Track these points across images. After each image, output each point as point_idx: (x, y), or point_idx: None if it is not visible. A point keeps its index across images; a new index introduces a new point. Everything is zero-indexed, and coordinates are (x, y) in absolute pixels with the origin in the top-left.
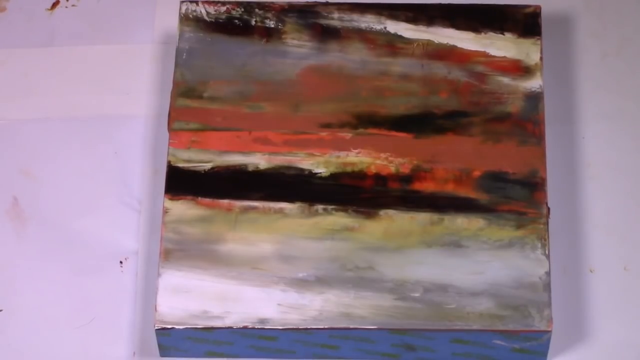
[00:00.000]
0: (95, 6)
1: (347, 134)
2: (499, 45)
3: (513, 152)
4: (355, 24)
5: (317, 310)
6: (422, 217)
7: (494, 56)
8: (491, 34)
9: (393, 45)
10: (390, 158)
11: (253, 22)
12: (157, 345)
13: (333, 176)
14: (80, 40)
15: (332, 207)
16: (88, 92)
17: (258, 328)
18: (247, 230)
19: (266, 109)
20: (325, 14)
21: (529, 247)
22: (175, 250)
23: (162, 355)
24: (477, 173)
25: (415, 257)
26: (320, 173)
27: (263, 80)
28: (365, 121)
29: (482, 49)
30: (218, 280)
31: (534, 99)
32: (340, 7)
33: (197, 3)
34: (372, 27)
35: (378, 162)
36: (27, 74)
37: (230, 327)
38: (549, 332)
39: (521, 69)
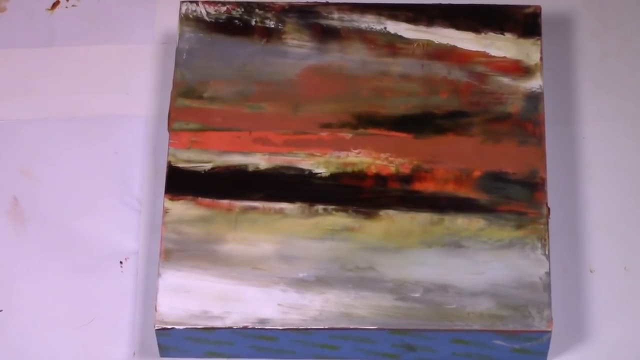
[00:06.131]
0: (96, 6)
1: (347, 134)
2: (499, 46)
3: (513, 152)
4: (355, 24)
5: (317, 310)
6: (423, 217)
7: (494, 56)
8: (491, 34)
9: (393, 45)
10: (391, 158)
11: (253, 23)
12: (157, 346)
13: (333, 176)
14: (80, 40)
15: (333, 207)
16: (88, 92)
17: (258, 328)
18: (248, 230)
19: (266, 109)
20: (326, 14)
21: (529, 247)
22: (175, 251)
23: (162, 355)
24: (477, 173)
25: (415, 257)
26: (320, 173)
27: (263, 81)
28: (366, 121)
29: (482, 49)
30: (218, 280)
31: (534, 99)
32: (340, 7)
33: (197, 3)
34: (372, 28)
35: (378, 162)
36: (27, 74)
37: (231, 327)
38: (549, 332)
39: (521, 69)
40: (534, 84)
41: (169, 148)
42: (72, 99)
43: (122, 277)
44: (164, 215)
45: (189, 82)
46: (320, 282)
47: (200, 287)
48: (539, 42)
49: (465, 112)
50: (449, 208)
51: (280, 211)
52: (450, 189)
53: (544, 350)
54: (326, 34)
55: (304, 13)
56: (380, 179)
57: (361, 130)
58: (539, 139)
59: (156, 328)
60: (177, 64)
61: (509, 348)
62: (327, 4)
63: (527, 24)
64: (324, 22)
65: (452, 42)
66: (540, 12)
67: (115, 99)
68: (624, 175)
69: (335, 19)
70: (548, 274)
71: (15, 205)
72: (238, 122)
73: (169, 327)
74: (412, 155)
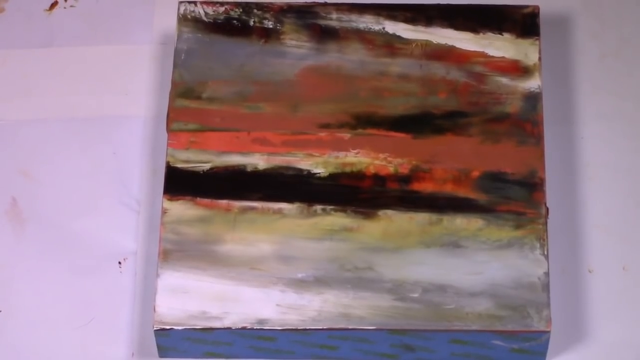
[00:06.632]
0: (94, 7)
1: (345, 135)
2: (498, 46)
3: (512, 152)
4: (353, 24)
5: (316, 310)
6: (421, 218)
7: (492, 56)
8: (490, 34)
9: (392, 45)
10: (389, 158)
11: (251, 23)
12: (156, 346)
13: (332, 176)
14: (79, 40)
15: (331, 207)
16: (87, 93)
17: (257, 329)
18: (246, 230)
19: (265, 110)
20: (324, 15)
21: (528, 247)
22: (174, 251)
23: (161, 356)
24: (476, 173)
25: (414, 258)
26: (319, 173)
27: (262, 81)
28: (364, 121)
29: (481, 49)
30: (217, 280)
31: (533, 99)
32: (338, 7)
33: (195, 4)
34: (371, 28)
35: (377, 162)
36: (26, 74)
37: (229, 328)
38: (548, 332)
39: (520, 69)
40: (532, 84)
41: (167, 148)
42: (71, 99)
43: (121, 278)
44: (162, 215)
45: (187, 83)
46: (319, 282)
47: (198, 288)
48: (537, 42)
49: (463, 112)
50: (448, 208)
51: (279, 211)
52: (449, 189)
53: (542, 351)
54: (324, 34)
55: (302, 13)
56: (379, 179)
57: (360, 131)
58: (538, 139)
59: (155, 328)
60: (175, 65)
61: (507, 348)
62: (325, 4)
63: (525, 24)
64: (322, 22)
65: (450, 42)
66: (538, 12)
67: (114, 99)
68: (622, 175)
69: (334, 19)
70: (547, 274)
71: (14, 205)
72: (237, 122)
73: (168, 327)
74: (410, 155)
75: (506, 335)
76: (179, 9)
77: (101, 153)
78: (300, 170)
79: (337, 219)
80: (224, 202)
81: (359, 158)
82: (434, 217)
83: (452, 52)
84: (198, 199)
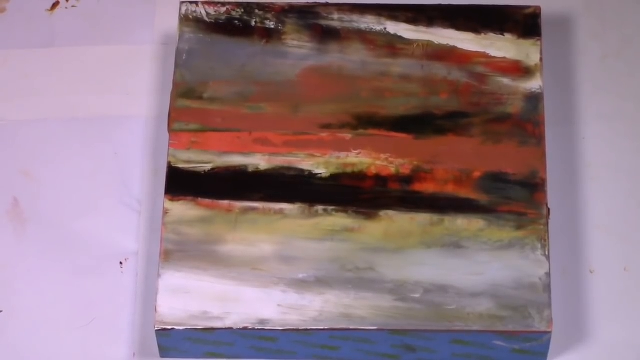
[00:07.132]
0: (95, 7)
1: (347, 135)
2: (499, 46)
3: (513, 152)
4: (355, 24)
5: (317, 311)
6: (422, 218)
7: (494, 57)
8: (491, 34)
9: (393, 46)
10: (391, 159)
11: (253, 23)
12: (157, 346)
13: (333, 177)
14: (80, 40)
15: (332, 207)
16: (88, 93)
17: (258, 329)
18: (247, 231)
19: (266, 110)
20: (325, 15)
21: (529, 247)
22: (175, 251)
23: (162, 356)
24: (477, 174)
25: (415, 258)
26: (320, 174)
27: (263, 81)
28: (365, 122)
29: (482, 50)
30: (218, 281)
31: (534, 99)
32: (340, 7)
33: (197, 4)
34: (372, 28)
35: (378, 162)
36: (27, 74)
37: (230, 328)
38: (549, 332)
39: (521, 70)
40: (534, 84)
41: (169, 149)
42: (72, 99)
43: (122, 278)
44: (163, 215)
45: (188, 83)
46: (320, 282)
47: (200, 288)
48: (538, 43)
49: (465, 112)
50: (449, 209)
51: (280, 212)
52: (450, 189)
53: (543, 351)
54: (326, 35)
55: (303, 14)
56: (380, 179)
57: (361, 131)
58: (539, 140)
59: (156, 329)
60: (177, 65)
61: (508, 349)
62: (327, 4)
63: (527, 25)
64: (323, 22)
65: (452, 43)
66: (540, 13)
67: (115, 99)
68: (624, 175)
69: (335, 20)
70: (548, 274)
71: (15, 205)
72: (238, 122)
73: (169, 327)
74: (412, 155)
75: (507, 336)
76: (180, 9)
77: (102, 153)
78: (302, 170)
79: (338, 220)
80: (225, 202)
81: (360, 158)
82: (435, 217)
83: (454, 53)
84: (199, 199)
